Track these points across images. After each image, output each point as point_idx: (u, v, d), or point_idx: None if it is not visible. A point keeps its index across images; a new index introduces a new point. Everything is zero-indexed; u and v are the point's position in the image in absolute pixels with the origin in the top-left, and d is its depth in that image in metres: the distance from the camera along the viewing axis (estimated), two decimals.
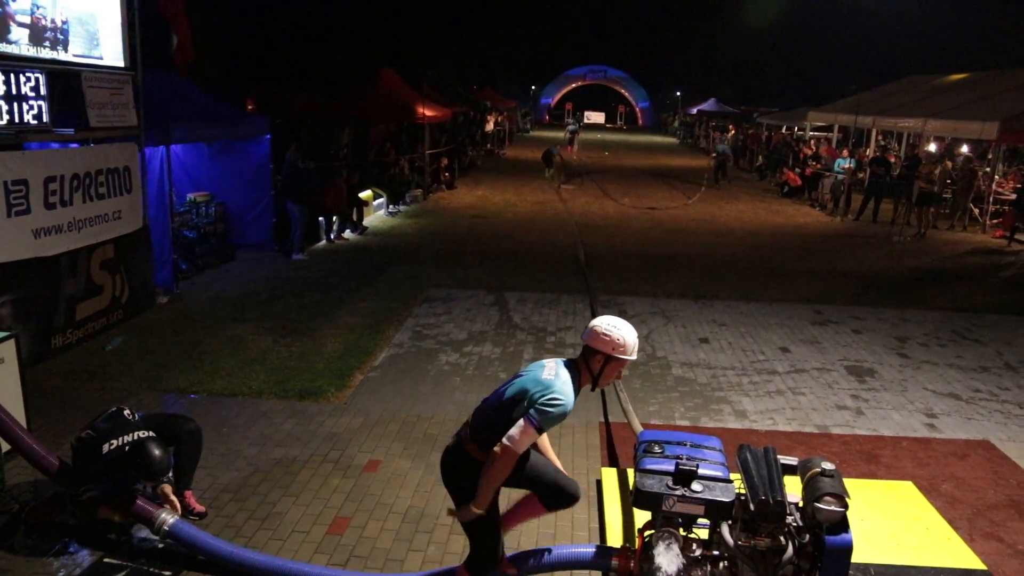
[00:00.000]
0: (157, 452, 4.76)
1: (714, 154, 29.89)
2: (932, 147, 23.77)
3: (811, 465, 3.95)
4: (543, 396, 3.72)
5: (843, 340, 9.54)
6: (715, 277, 12.64)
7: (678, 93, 64.60)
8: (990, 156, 20.60)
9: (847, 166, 20.49)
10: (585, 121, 62.47)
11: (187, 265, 11.36)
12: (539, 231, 16.39)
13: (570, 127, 38.15)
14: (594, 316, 9.87)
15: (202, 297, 10.47)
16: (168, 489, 4.94)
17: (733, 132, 36.46)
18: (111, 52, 9.04)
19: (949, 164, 19.44)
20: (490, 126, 36.58)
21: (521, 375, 3.97)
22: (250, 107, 18.34)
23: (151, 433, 4.92)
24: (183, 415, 5.64)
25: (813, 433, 6.88)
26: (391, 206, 18.30)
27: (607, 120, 68.44)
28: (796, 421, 7.11)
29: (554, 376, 3.81)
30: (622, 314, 10.28)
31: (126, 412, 5.05)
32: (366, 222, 16.04)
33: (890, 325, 10.26)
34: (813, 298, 11.48)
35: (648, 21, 77.44)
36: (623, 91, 71.26)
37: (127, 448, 4.77)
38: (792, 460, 4.10)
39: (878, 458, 6.41)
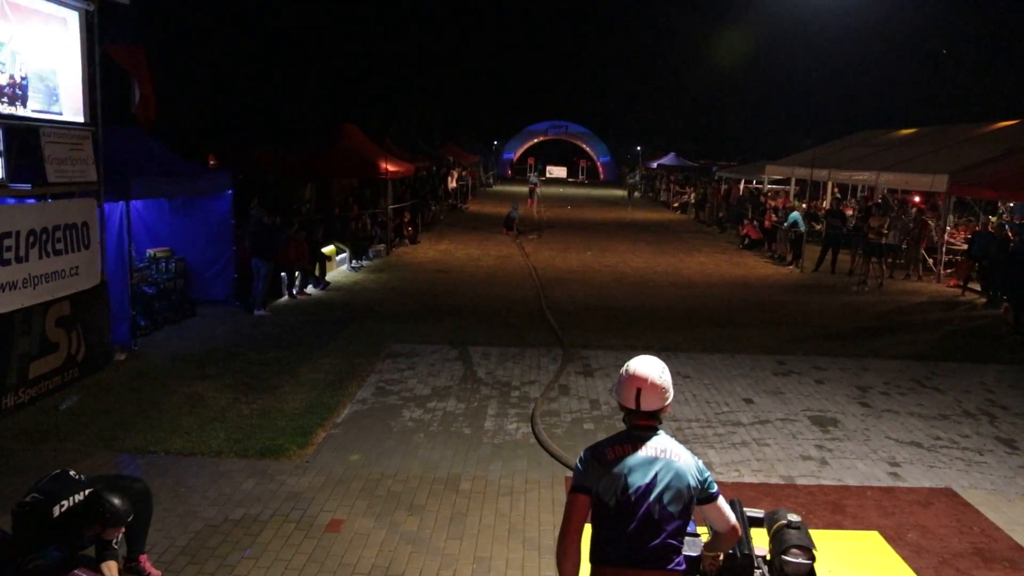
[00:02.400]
0: (116, 498, 4.59)
1: (630, 181, 48.58)
2: (881, 199, 24.35)
3: (777, 517, 3.94)
4: (704, 474, 3.38)
5: (806, 390, 9.61)
6: (678, 329, 12.72)
7: (638, 148, 65.78)
8: (940, 206, 21.16)
9: (790, 225, 20.86)
10: (547, 175, 63.22)
11: (146, 321, 11.18)
12: (502, 285, 16.42)
13: (531, 181, 38.59)
14: (560, 373, 9.93)
15: (161, 354, 10.28)
16: (114, 567, 4.74)
17: (693, 191, 37.20)
18: (71, 107, 9.01)
19: (903, 215, 19.91)
20: (453, 182, 36.83)
21: (661, 486, 3.27)
22: (212, 163, 18.28)
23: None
24: (130, 475, 5.48)
25: (779, 484, 6.88)
26: (354, 261, 18.25)
27: (569, 175, 69.29)
28: (761, 472, 7.11)
29: (685, 454, 3.37)
30: (586, 368, 10.29)
31: (71, 473, 4.86)
32: (329, 277, 15.97)
33: (851, 374, 10.37)
34: (775, 349, 11.58)
35: (609, 78, 79.04)
36: (584, 146, 72.32)
37: (81, 503, 4.60)
38: (758, 512, 4.09)
39: (844, 508, 6.42)
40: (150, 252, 12.59)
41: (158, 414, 8.02)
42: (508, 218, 26.07)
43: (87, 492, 4.65)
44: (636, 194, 47.19)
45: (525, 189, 39.64)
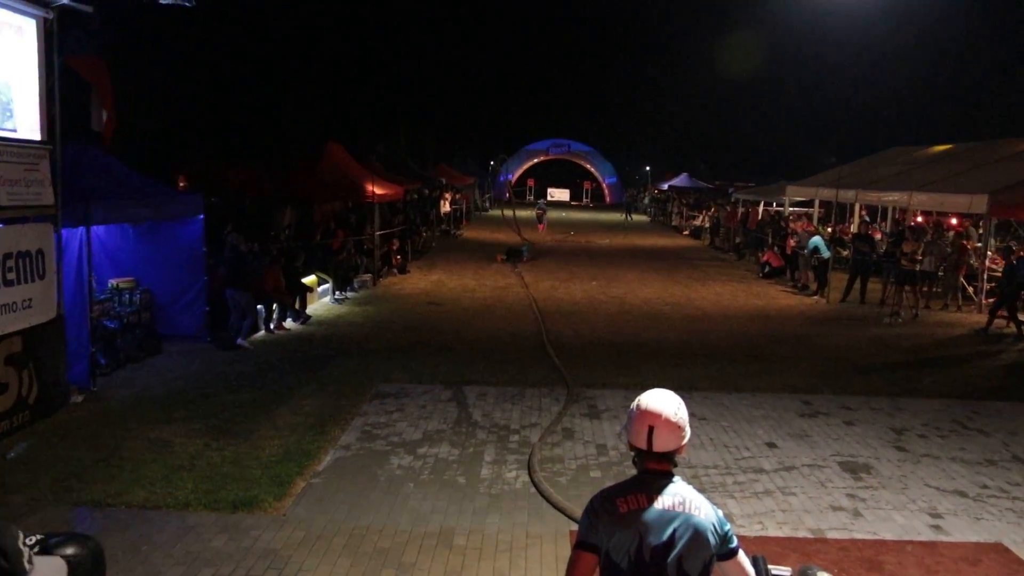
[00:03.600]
0: (70, 547, 4.47)
1: (624, 200, 54.59)
2: (918, 220, 24.39)
3: (807, 575, 3.86)
4: (724, 527, 3.29)
5: (835, 433, 9.54)
6: (693, 366, 12.68)
7: (647, 168, 66.19)
8: (980, 230, 21.19)
9: (811, 251, 20.76)
10: (549, 198, 63.61)
11: (107, 359, 11.12)
12: (500, 318, 16.41)
13: (539, 206, 39.42)
14: (564, 415, 9.87)
15: (123, 395, 10.21)
16: None
17: (705, 214, 37.37)
18: (26, 124, 9.01)
19: (939, 239, 19.91)
20: (446, 206, 37.05)
21: (680, 546, 3.19)
22: (182, 184, 18.34)
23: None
24: (78, 533, 5.38)
25: (807, 538, 6.79)
26: (337, 292, 18.23)
27: (572, 197, 69.68)
28: (788, 525, 7.03)
29: (705, 506, 3.28)
30: (592, 409, 10.22)
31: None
32: (310, 310, 15.95)
33: (885, 415, 10.30)
34: (800, 387, 11.52)
35: (614, 93, 79.65)
36: (589, 166, 72.69)
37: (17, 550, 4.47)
38: (785, 570, 4.01)
39: (881, 565, 6.33)
40: (112, 283, 12.55)
41: (119, 462, 7.94)
42: (514, 250, 26.15)
43: (33, 539, 4.54)
44: (631, 217, 49.23)
45: (525, 213, 40.02)
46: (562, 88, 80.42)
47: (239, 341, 12.89)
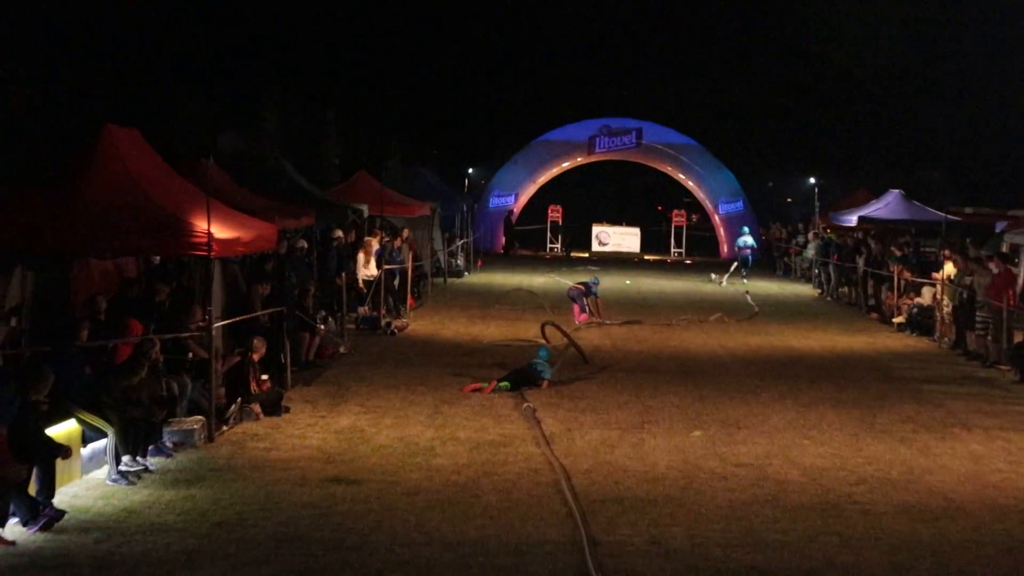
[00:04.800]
0: None
1: (741, 248, 60.80)
2: None
3: None
4: None
5: None
6: None
7: (812, 180, 66.59)
8: None
9: None
10: (598, 245, 64.07)
11: None
12: (488, 515, 16.16)
13: (590, 284, 39.51)
14: None
15: None
16: None
17: (959, 272, 37.10)
18: None
19: None
20: (368, 265, 36.90)
21: None
22: None
23: None
24: None
25: None
26: (126, 458, 17.87)
27: (646, 245, 69.91)
28: None
29: None
30: None
31: None
32: (68, 497, 15.76)
33: None
34: None
35: (734, 30, 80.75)
36: (682, 176, 72.93)
37: None
38: None
39: None
40: None
41: None
42: (528, 372, 26.24)
43: None
44: (744, 279, 53.92)
45: (541, 280, 40.18)
46: (623, 17, 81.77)
47: (31, 529, 13.68)
